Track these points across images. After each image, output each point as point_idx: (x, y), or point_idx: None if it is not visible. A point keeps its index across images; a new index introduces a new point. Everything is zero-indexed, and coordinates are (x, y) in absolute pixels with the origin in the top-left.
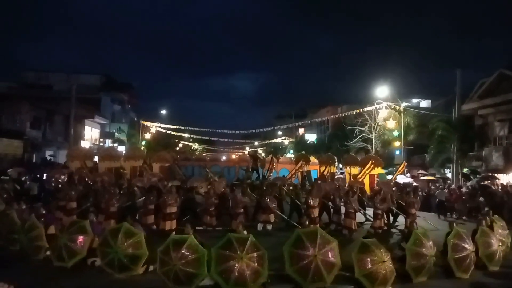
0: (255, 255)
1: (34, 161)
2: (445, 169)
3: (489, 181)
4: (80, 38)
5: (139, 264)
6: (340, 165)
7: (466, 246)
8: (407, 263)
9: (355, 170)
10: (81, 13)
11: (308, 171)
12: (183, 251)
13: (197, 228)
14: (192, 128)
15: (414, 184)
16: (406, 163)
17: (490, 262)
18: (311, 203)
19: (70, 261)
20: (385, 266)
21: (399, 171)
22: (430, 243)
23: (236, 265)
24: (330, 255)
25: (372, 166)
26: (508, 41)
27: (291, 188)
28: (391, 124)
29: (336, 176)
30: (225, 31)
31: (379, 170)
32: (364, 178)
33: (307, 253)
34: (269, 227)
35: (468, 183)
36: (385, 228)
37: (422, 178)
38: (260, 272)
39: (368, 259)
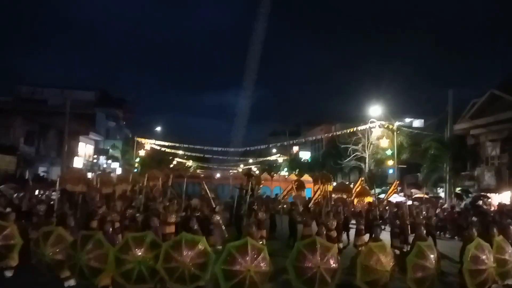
0: (260, 259)
1: (26, 177)
2: (438, 188)
3: (481, 201)
4: (75, 53)
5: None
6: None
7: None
8: (408, 275)
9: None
10: (77, 29)
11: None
12: (195, 252)
13: None
14: (187, 145)
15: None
16: (398, 182)
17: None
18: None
19: (96, 279)
20: (388, 275)
21: (392, 190)
22: (434, 255)
23: (246, 278)
24: (332, 262)
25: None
26: (499, 62)
27: (292, 207)
28: (384, 143)
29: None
30: (219, 47)
31: (368, 199)
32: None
33: (310, 265)
34: (263, 242)
35: (462, 203)
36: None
37: (415, 196)
38: (268, 272)
39: (373, 267)
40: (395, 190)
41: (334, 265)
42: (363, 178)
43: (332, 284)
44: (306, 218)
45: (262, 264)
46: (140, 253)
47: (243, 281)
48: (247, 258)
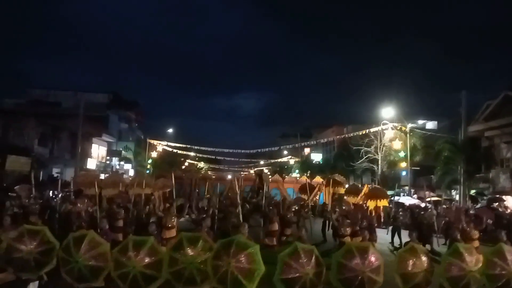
0: (313, 260)
1: (41, 178)
2: (452, 190)
3: (497, 203)
4: (88, 56)
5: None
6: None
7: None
8: (440, 272)
9: (358, 199)
10: (91, 34)
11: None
12: (233, 251)
13: None
14: (198, 147)
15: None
16: (368, 186)
17: None
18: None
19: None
20: (428, 274)
21: (361, 195)
22: (472, 258)
23: (306, 282)
24: (373, 260)
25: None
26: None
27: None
28: (397, 145)
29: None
30: (230, 51)
31: (383, 202)
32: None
33: (355, 274)
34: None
35: (477, 206)
36: None
37: (428, 199)
38: (323, 271)
39: (411, 272)
40: (364, 194)
41: (376, 262)
42: (369, 185)
43: (381, 280)
44: (271, 213)
45: (317, 265)
46: (192, 254)
47: (305, 286)
48: (302, 263)
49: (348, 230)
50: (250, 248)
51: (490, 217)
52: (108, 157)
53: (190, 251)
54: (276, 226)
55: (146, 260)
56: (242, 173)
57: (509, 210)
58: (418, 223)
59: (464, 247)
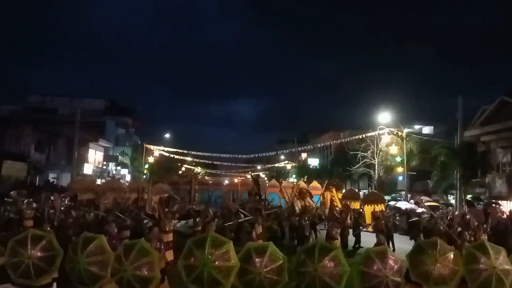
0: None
1: (37, 183)
2: (449, 195)
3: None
4: (85, 62)
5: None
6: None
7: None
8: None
9: (356, 204)
10: (86, 38)
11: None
12: (266, 259)
13: None
14: (195, 153)
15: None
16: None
17: None
18: None
19: None
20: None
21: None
22: (498, 256)
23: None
24: (392, 263)
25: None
26: (508, 68)
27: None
28: (393, 149)
29: None
30: (227, 57)
31: (380, 207)
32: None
33: (379, 279)
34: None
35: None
36: None
37: (425, 204)
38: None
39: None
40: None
41: (397, 265)
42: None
43: (403, 281)
44: (256, 217)
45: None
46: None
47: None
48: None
49: (338, 232)
50: (269, 248)
51: (480, 219)
52: (104, 162)
53: (200, 254)
54: (260, 229)
55: (138, 262)
56: (239, 177)
57: (505, 215)
58: (426, 231)
59: (491, 244)
